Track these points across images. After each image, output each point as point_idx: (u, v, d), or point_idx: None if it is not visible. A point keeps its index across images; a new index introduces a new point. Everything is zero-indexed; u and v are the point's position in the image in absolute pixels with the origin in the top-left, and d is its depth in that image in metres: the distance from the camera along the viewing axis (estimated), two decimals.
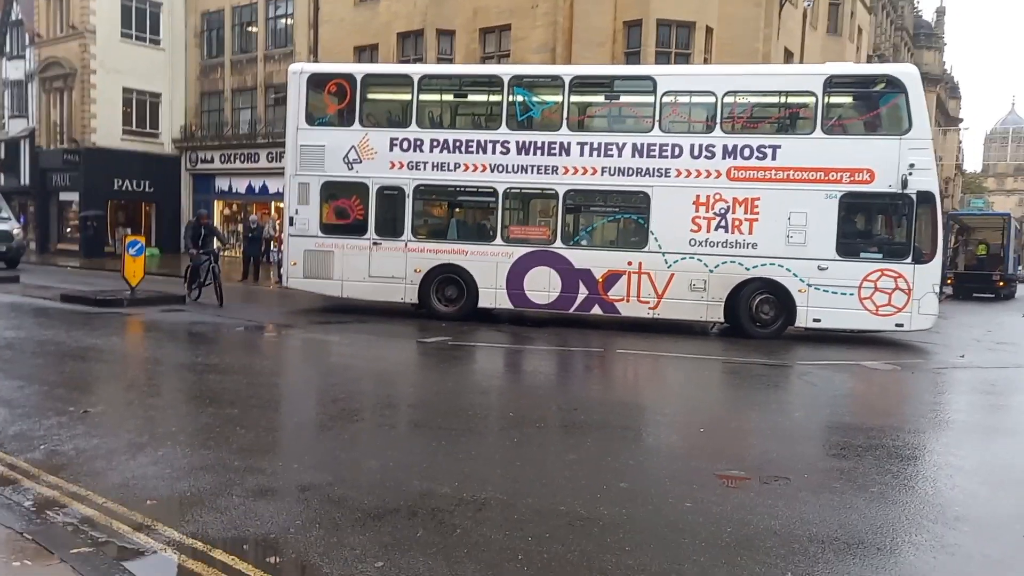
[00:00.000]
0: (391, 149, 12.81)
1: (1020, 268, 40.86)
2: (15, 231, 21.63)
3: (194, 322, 11.60)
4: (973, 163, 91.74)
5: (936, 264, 11.50)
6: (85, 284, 16.58)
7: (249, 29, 29.22)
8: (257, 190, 28.37)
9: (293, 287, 13.47)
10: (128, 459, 4.73)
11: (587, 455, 5.20)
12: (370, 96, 13.45)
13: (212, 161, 29.54)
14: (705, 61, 20.53)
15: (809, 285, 11.50)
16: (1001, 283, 27.47)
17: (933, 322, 11.58)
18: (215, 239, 15.33)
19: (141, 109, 30.12)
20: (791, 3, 22.92)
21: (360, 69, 14.35)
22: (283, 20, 28.24)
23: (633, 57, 20.75)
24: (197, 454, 4.86)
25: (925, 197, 11.22)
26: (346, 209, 13.09)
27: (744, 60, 20.00)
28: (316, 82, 13.38)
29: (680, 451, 5.61)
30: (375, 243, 12.85)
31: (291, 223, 13.19)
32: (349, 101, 13.06)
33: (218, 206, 29.70)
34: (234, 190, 29.25)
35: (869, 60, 32.52)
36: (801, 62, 23.02)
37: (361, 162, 12.87)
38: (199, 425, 5.65)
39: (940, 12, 59.94)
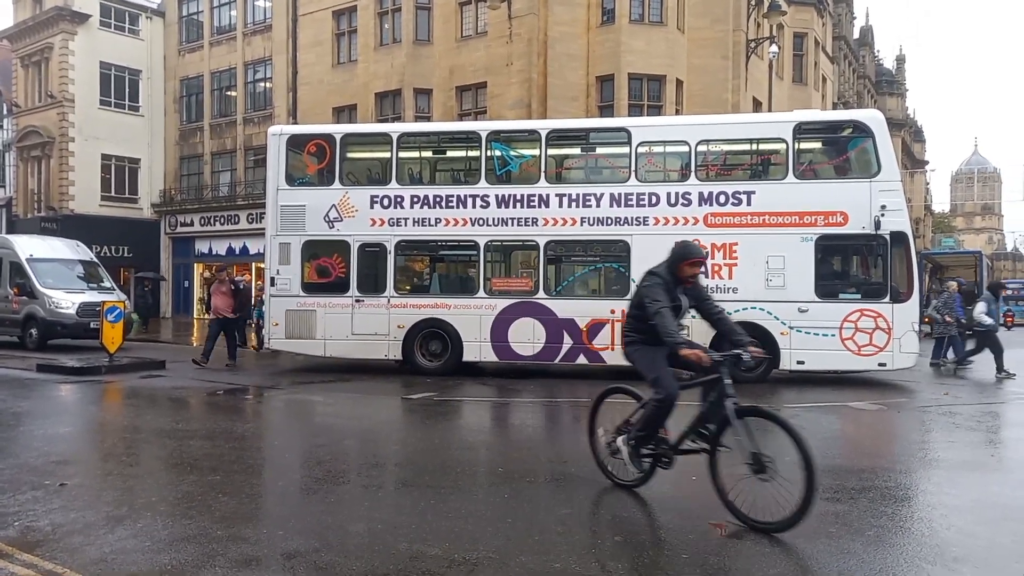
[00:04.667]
0: (372, 206, 12.90)
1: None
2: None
3: (175, 387, 11.40)
4: (941, 203, 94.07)
5: (914, 303, 11.65)
6: (67, 355, 16.28)
7: (228, 93, 29.64)
8: (238, 251, 28.34)
9: (275, 348, 13.33)
10: (106, 532, 4.56)
11: (579, 509, 5.11)
12: (350, 155, 13.60)
13: (192, 224, 29.53)
14: (677, 112, 21.08)
15: (791, 327, 11.58)
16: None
17: (915, 360, 11.68)
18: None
19: (120, 175, 30.21)
20: (757, 55, 23.71)
21: (339, 129, 14.56)
22: (262, 84, 28.70)
23: (607, 110, 21.27)
24: (178, 524, 4.71)
25: (898, 237, 11.44)
26: (328, 268, 13.08)
27: (714, 110, 20.57)
28: (295, 143, 13.53)
29: (672, 501, 5.52)
30: (357, 300, 12.80)
31: (272, 283, 13.14)
32: (329, 161, 13.19)
33: (198, 268, 29.56)
34: (214, 252, 29.19)
35: (835, 107, 33.56)
36: (770, 111, 23.69)
37: (342, 220, 12.93)
38: (180, 494, 5.48)
39: (900, 60, 62.32)
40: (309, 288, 13.03)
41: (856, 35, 48.02)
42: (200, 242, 29.64)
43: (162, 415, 9.38)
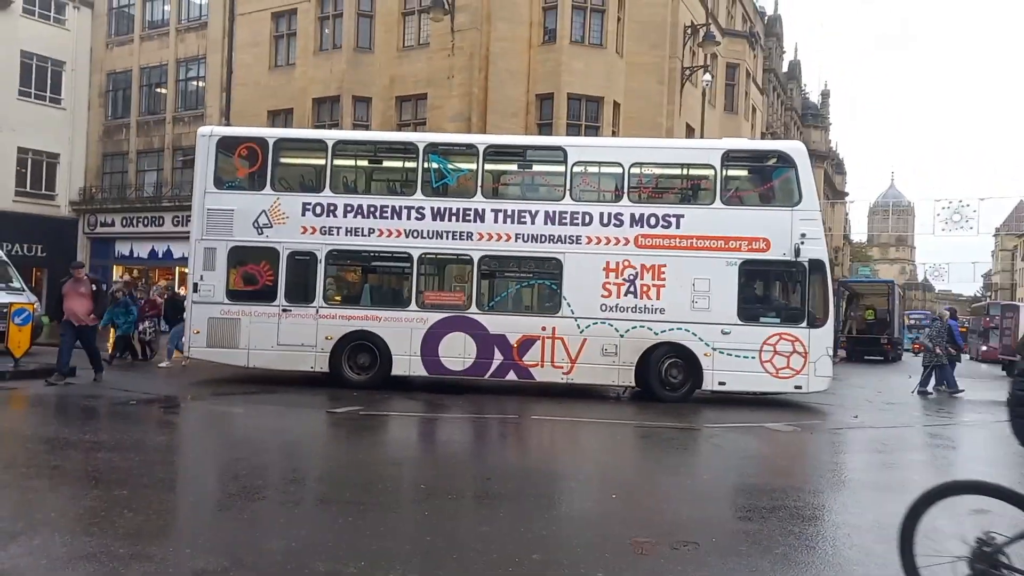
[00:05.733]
0: (304, 214, 12.65)
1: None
2: None
3: (85, 396, 10.85)
4: (860, 234, 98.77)
5: (829, 328, 12.17)
6: None
7: (158, 90, 28.65)
8: (161, 254, 27.29)
9: (195, 357, 12.88)
10: None
11: (500, 526, 5.11)
12: (283, 160, 13.33)
13: (113, 224, 28.32)
14: (613, 134, 21.50)
15: (714, 349, 11.92)
16: (888, 346, 29.32)
17: (828, 384, 12.17)
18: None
19: (37, 169, 28.73)
20: (691, 82, 24.46)
21: (273, 133, 14.27)
22: (194, 82, 27.85)
23: (545, 128, 21.52)
24: (79, 541, 4.47)
25: (816, 265, 11.94)
26: (255, 275, 12.75)
27: (649, 134, 21.07)
28: (226, 145, 13.17)
29: (593, 518, 5.59)
30: (285, 310, 12.51)
31: (195, 289, 12.70)
32: (261, 165, 12.89)
33: (117, 271, 28.34)
34: (136, 255, 28.03)
35: (763, 137, 34.90)
36: (702, 137, 24.47)
37: (272, 227, 12.64)
38: (82, 509, 5.22)
39: (825, 95, 65.38)
40: (234, 295, 12.65)
41: (785, 69, 50.16)
42: (121, 244, 28.43)
43: (68, 425, 8.93)
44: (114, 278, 25.64)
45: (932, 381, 15.51)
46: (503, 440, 9.47)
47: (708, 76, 25.31)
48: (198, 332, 12.59)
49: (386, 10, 23.16)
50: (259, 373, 12.90)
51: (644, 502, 6.14)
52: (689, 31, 23.96)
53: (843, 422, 11.08)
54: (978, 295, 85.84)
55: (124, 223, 27.98)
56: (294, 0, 24.61)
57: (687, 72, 23.98)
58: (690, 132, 24.80)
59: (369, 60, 23.16)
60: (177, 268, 25.99)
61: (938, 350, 15.44)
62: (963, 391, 15.20)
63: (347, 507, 5.46)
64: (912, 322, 43.57)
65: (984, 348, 31.79)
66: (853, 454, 9.15)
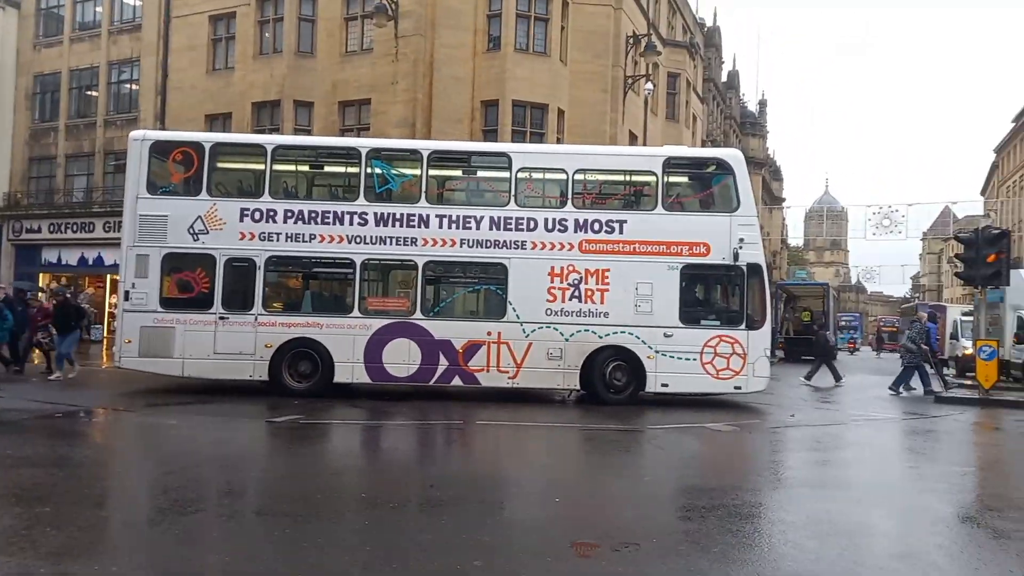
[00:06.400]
0: (241, 220, 12.35)
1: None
2: None
3: (5, 409, 10.33)
4: (797, 238, 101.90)
5: (767, 330, 12.49)
6: None
7: (89, 93, 27.65)
8: (91, 261, 26.28)
9: (126, 367, 12.39)
10: None
11: (442, 534, 5.05)
12: (220, 165, 13.00)
13: (39, 231, 27.16)
14: (558, 140, 21.68)
15: (656, 352, 12.09)
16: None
17: (767, 384, 12.49)
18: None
19: None
20: (634, 91, 24.87)
21: (209, 138, 13.89)
22: (128, 86, 26.97)
23: (491, 134, 21.55)
24: None
25: (754, 269, 12.25)
26: (190, 282, 12.36)
27: (593, 141, 21.33)
28: (160, 150, 12.77)
29: (536, 523, 5.58)
30: (222, 317, 12.17)
31: (127, 297, 12.25)
32: (196, 170, 12.53)
33: (44, 279, 27.17)
34: (64, 262, 26.94)
35: (704, 145, 35.70)
36: (644, 144, 24.88)
37: (208, 233, 12.29)
38: (1, 528, 4.95)
39: (762, 104, 67.24)
40: (168, 303, 12.24)
41: (724, 79, 51.48)
42: (48, 251, 27.28)
43: None
44: (39, 285, 24.56)
45: (917, 380, 15.67)
46: (447, 446, 9.40)
47: (650, 85, 25.78)
48: (130, 341, 12.14)
49: (328, 15, 22.88)
50: (194, 383, 12.50)
51: (587, 505, 6.17)
52: (631, 41, 24.36)
53: (781, 421, 11.37)
54: (907, 296, 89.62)
55: (52, 229, 26.86)
56: (233, 3, 24.11)
57: (630, 81, 24.37)
58: (633, 140, 25.20)
59: (311, 65, 22.83)
60: (109, 275, 25.05)
61: (924, 346, 15.84)
62: (938, 391, 15.43)
63: (285, 519, 5.32)
64: (844, 323, 45.15)
65: None
66: (790, 452, 9.39)
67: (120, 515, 5.70)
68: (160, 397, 11.87)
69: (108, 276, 25.21)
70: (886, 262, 78.38)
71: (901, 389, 15.65)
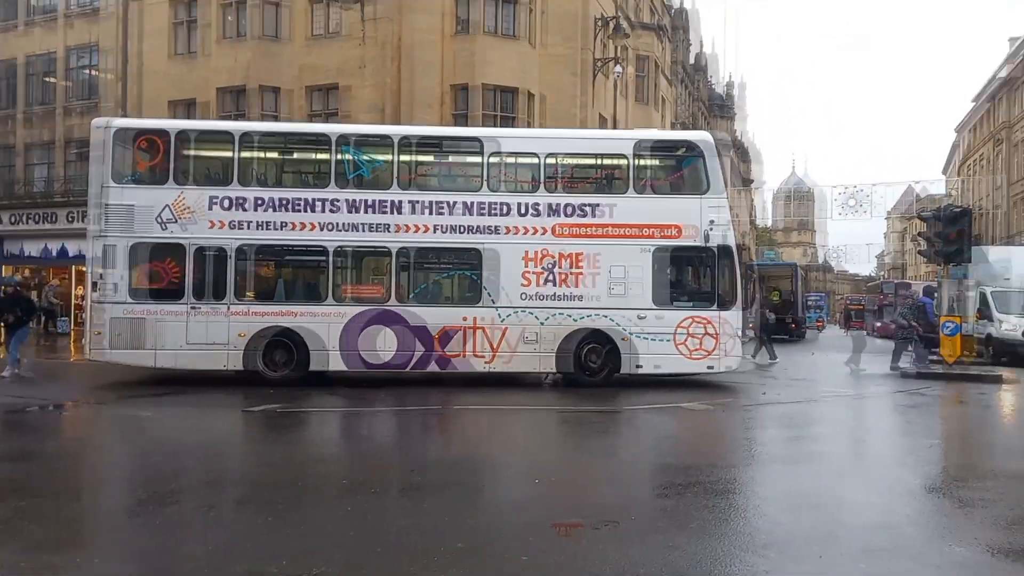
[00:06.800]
0: (211, 208, 12.17)
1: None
2: None
3: None
4: (766, 219, 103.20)
5: (738, 310, 12.68)
6: None
7: (47, 80, 26.86)
8: (55, 253, 25.65)
9: (96, 359, 12.19)
10: None
11: (424, 518, 5.10)
12: (186, 153, 12.77)
13: (0, 222, 26.45)
14: (529, 124, 21.64)
15: (631, 334, 12.23)
16: (794, 325, 30.82)
17: (739, 363, 12.71)
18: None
19: None
20: (604, 74, 24.88)
21: (175, 125, 13.66)
22: (87, 72, 26.26)
23: (461, 119, 21.43)
24: None
25: (724, 250, 12.41)
26: (159, 272, 12.18)
27: (564, 124, 21.34)
28: (124, 137, 12.50)
29: (516, 504, 5.66)
30: (193, 307, 12.02)
31: (95, 288, 12.04)
32: (162, 158, 12.31)
33: (6, 271, 26.53)
34: (27, 253, 26.27)
35: (673, 127, 35.90)
36: (615, 128, 24.95)
37: (176, 222, 12.10)
38: None
39: (729, 86, 67.91)
40: (137, 294, 12.05)
41: (692, 61, 51.70)
42: (10, 242, 26.57)
43: None
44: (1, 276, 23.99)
45: (911, 356, 15.60)
46: (427, 432, 9.45)
47: (619, 68, 25.81)
48: (99, 333, 11.94)
49: None
50: (167, 374, 12.35)
51: (566, 485, 6.27)
52: (600, 23, 24.34)
53: (753, 399, 11.60)
54: (873, 275, 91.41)
55: (12, 220, 26.16)
56: None
57: (599, 64, 24.35)
58: (603, 123, 25.24)
59: (277, 49, 22.43)
60: (73, 267, 24.53)
61: (916, 323, 15.60)
62: (904, 367, 15.31)
63: (266, 507, 5.33)
64: (811, 303, 45.91)
65: (879, 324, 33.87)
66: (762, 430, 9.60)
67: (100, 507, 5.66)
68: (133, 389, 11.72)
69: (73, 267, 24.68)
70: (852, 241, 79.64)
71: (904, 363, 15.45)
